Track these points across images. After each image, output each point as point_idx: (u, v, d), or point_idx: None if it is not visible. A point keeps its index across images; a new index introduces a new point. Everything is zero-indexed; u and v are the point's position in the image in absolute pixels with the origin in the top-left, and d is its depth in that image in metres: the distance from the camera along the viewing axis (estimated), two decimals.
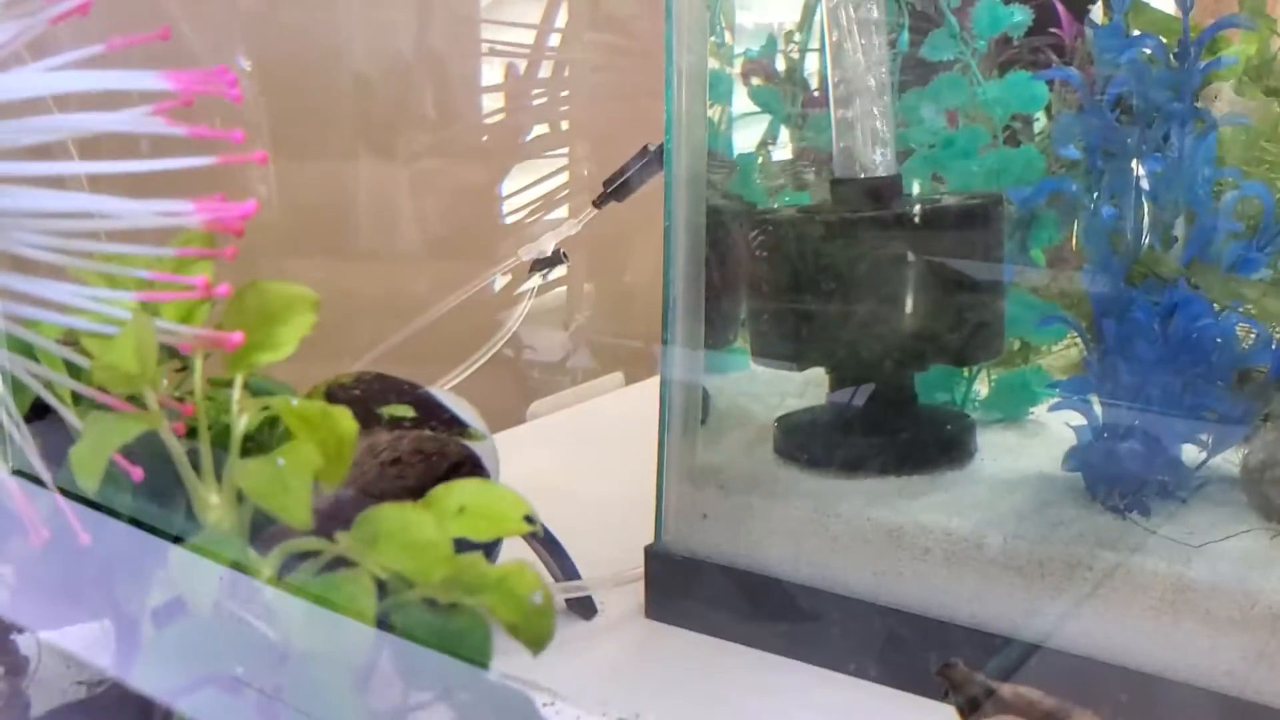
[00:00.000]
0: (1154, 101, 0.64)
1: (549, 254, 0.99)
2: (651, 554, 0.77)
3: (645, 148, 0.99)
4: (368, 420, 0.48)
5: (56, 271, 0.38)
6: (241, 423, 0.37)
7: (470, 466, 0.47)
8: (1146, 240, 0.68)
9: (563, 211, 1.13)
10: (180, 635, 0.37)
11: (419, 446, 0.47)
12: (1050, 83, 0.83)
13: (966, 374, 0.83)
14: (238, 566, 0.37)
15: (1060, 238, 0.82)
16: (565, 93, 1.08)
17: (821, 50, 0.79)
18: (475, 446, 0.47)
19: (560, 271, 1.02)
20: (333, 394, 0.44)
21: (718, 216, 0.79)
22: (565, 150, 1.07)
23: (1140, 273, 0.67)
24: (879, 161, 0.75)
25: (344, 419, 0.36)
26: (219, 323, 0.39)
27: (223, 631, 0.37)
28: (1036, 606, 0.66)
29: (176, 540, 0.45)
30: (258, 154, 0.36)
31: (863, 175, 0.75)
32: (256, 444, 0.53)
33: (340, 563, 0.36)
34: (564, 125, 1.08)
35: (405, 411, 0.44)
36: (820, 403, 0.81)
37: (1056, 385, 0.72)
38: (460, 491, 0.37)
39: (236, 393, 0.38)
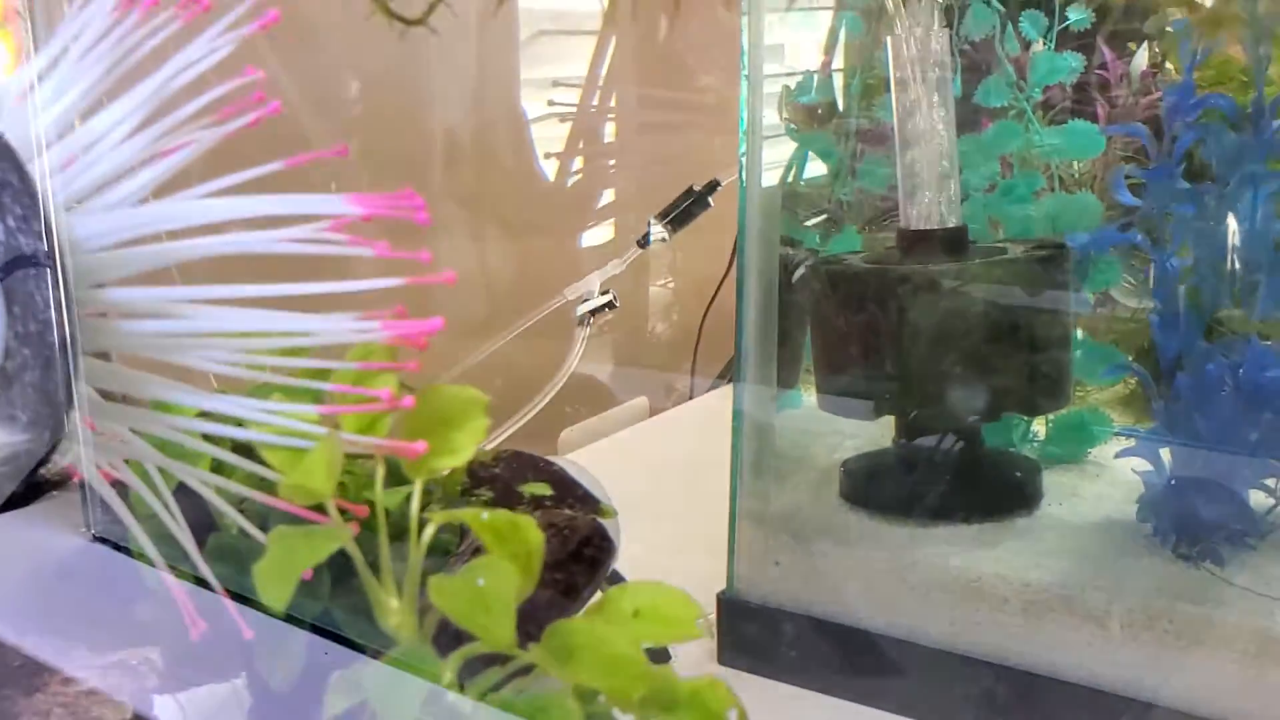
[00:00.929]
0: (1229, 163, 0.66)
1: (596, 294, 1.00)
2: (725, 601, 0.78)
3: (690, 189, 1.00)
4: (509, 499, 0.49)
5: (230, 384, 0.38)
6: (427, 532, 0.38)
7: (599, 541, 0.48)
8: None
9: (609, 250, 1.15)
10: None
11: (551, 521, 0.47)
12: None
13: (1025, 421, 0.85)
14: (424, 675, 0.37)
15: (1117, 282, 0.83)
16: (612, 135, 1.09)
17: (862, 93, 0.80)
18: (603, 522, 0.48)
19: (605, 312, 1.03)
20: (475, 472, 0.45)
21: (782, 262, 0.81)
22: (611, 191, 1.08)
23: (1214, 327, 0.68)
24: (946, 211, 0.76)
25: (531, 530, 0.37)
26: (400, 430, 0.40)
27: None
28: (1117, 658, 0.67)
29: (342, 639, 0.45)
30: (447, 274, 0.36)
31: (931, 227, 0.77)
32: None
33: (523, 671, 0.37)
34: (611, 164, 1.09)
35: (543, 489, 0.45)
36: (884, 446, 0.83)
37: (1127, 432, 0.74)
38: (633, 595, 0.38)
39: (417, 500, 0.39)
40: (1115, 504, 0.77)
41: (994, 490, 0.77)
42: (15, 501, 0.68)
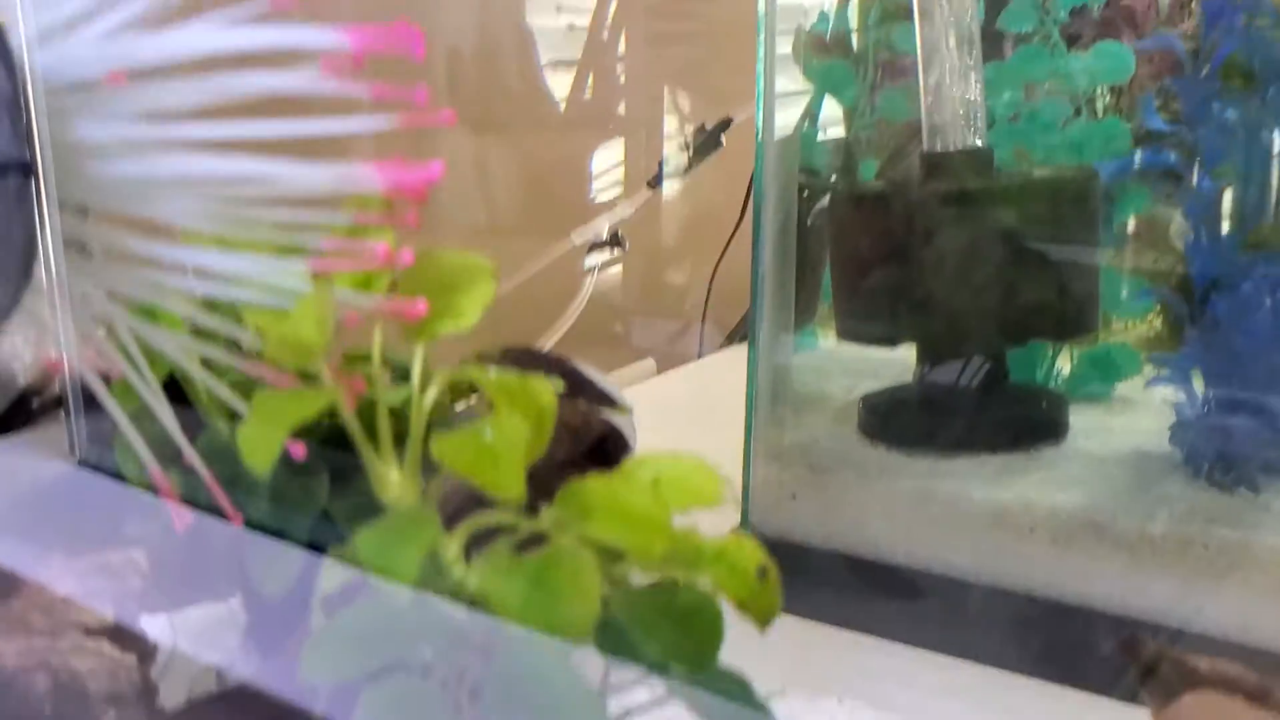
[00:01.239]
0: (1273, 68, 0.63)
1: (604, 238, 0.97)
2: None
3: (701, 126, 0.97)
4: None
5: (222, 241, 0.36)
6: (430, 395, 0.36)
7: (615, 440, 0.45)
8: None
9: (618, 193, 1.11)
10: (359, 621, 0.35)
11: (564, 420, 0.45)
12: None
13: (1051, 351, 0.82)
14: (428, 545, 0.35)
15: (1145, 210, 0.80)
16: (622, 76, 1.06)
17: (884, 21, 0.77)
18: (617, 420, 0.45)
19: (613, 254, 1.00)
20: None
21: (802, 193, 0.78)
22: (621, 134, 1.05)
23: (1253, 244, 0.66)
24: (973, 134, 0.73)
25: (545, 390, 0.34)
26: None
27: (413, 617, 0.35)
28: (1148, 585, 0.64)
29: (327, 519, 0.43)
30: (445, 113, 0.34)
31: (956, 149, 0.74)
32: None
33: (532, 542, 0.34)
34: (621, 109, 1.06)
35: (556, 386, 0.42)
36: (904, 382, 0.80)
37: (1159, 359, 0.71)
38: (654, 464, 0.35)
39: (418, 364, 0.36)
40: (1145, 436, 0.74)
41: (1019, 422, 0.75)
42: (5, 428, 0.66)
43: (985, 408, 0.75)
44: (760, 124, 0.73)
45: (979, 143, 0.73)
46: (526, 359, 0.44)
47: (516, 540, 0.34)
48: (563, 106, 1.00)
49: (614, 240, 0.96)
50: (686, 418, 1.07)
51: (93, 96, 0.35)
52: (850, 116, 0.89)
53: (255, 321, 0.36)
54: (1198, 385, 0.70)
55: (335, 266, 0.36)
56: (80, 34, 0.34)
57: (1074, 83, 0.81)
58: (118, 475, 0.58)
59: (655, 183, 0.96)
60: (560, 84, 1.01)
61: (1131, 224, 0.83)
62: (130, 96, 0.34)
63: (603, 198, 1.02)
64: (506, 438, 0.32)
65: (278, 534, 0.52)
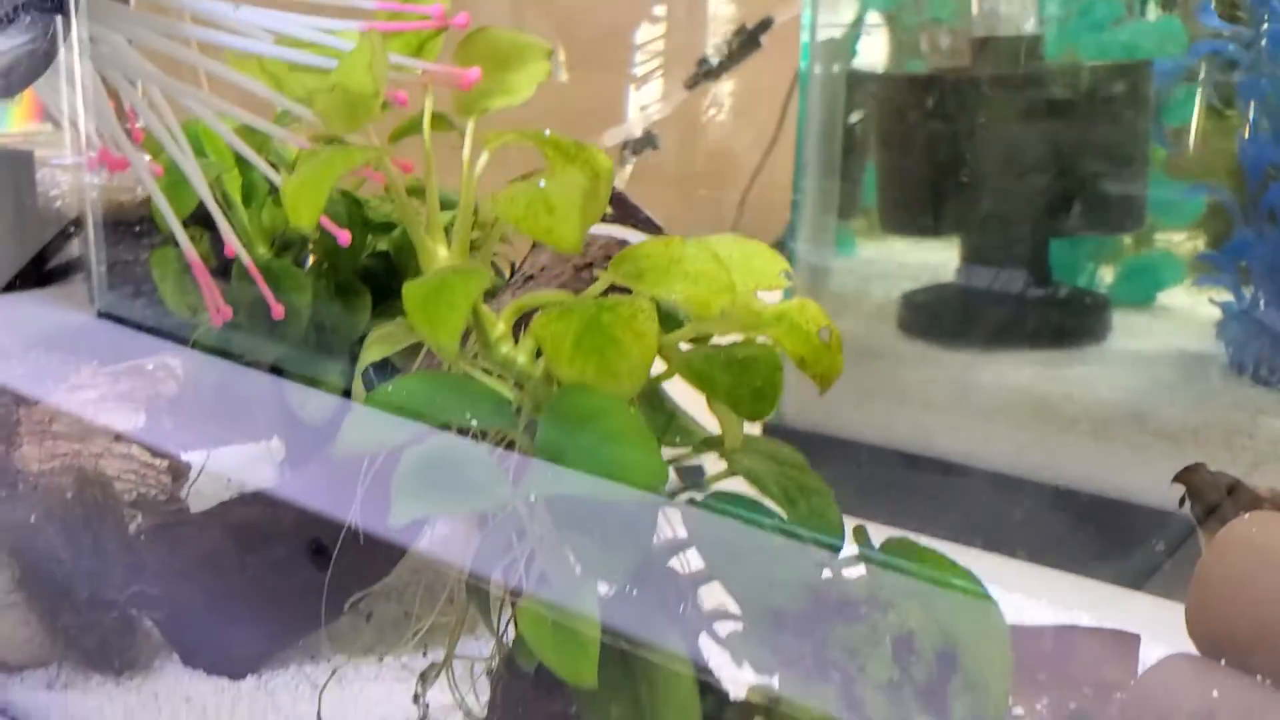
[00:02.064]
0: None
1: (639, 136, 0.95)
2: (771, 430, 0.74)
3: (741, 26, 0.95)
4: None
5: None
6: (481, 160, 0.34)
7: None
8: None
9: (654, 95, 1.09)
10: (400, 394, 0.34)
11: (608, 252, 0.44)
12: None
13: (1094, 256, 0.81)
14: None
15: (1193, 114, 0.79)
16: None
17: None
18: None
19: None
20: None
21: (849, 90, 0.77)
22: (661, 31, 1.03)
23: None
24: (1024, 19, 0.72)
25: (600, 155, 0.33)
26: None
27: (455, 389, 0.34)
28: None
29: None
30: None
31: (1005, 36, 0.72)
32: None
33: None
34: (660, 7, 1.04)
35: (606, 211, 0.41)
36: (945, 281, 0.78)
37: (1206, 258, 0.70)
38: (716, 243, 0.34)
39: (470, 134, 0.35)
40: (1189, 339, 0.73)
41: (1061, 319, 0.73)
42: (26, 286, 0.66)
43: (1027, 304, 0.74)
44: (808, 20, 0.72)
45: (1029, 29, 0.71)
46: None
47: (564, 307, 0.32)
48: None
49: (647, 141, 0.94)
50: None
51: None
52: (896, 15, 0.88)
53: (301, 84, 0.35)
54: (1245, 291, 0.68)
55: (387, 27, 0.35)
56: None
57: None
58: (136, 326, 0.57)
59: (693, 83, 0.94)
60: None
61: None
62: None
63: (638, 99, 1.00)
64: (562, 186, 0.31)
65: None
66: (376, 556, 0.43)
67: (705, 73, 0.95)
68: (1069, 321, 0.74)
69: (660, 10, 0.99)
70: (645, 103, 0.98)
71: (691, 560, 0.35)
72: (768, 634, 0.29)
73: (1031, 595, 0.57)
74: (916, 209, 0.74)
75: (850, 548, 0.34)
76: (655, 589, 0.33)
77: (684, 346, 0.33)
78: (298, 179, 0.33)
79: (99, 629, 0.42)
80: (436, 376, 0.35)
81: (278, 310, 0.42)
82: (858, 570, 0.33)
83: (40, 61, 0.33)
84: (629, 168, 0.97)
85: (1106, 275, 0.82)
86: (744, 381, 0.31)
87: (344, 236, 0.41)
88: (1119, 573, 0.63)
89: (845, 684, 0.28)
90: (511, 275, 0.49)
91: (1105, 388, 0.66)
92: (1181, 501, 0.42)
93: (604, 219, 0.44)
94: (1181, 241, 0.86)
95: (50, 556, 0.41)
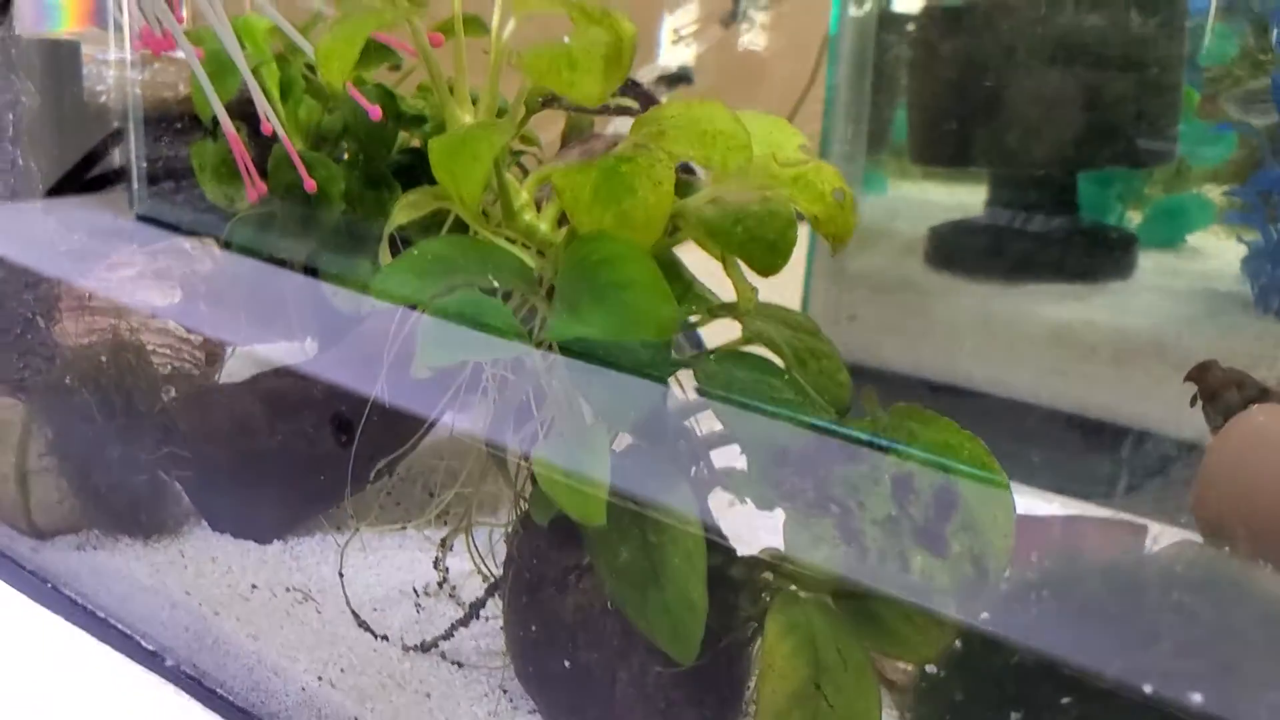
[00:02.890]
0: None
1: (673, 71, 0.95)
2: None
3: None
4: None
5: None
6: (510, 25, 0.35)
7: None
8: None
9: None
10: (427, 252, 0.35)
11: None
12: None
13: (1122, 198, 0.80)
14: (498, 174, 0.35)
15: (1231, 58, 0.78)
16: None
17: None
18: None
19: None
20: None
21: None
22: None
23: None
24: None
25: (625, 20, 0.34)
26: None
27: (479, 247, 0.35)
28: None
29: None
30: None
31: None
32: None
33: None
34: None
35: (630, 103, 0.42)
36: (971, 216, 0.79)
37: (1234, 193, 0.70)
38: (736, 112, 0.34)
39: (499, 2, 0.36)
40: (1215, 279, 0.72)
41: (1086, 253, 0.73)
42: (69, 190, 0.67)
43: (1053, 237, 0.74)
44: None
45: None
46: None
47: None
48: None
49: (680, 76, 0.94)
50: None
51: None
52: None
53: None
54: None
55: None
56: None
57: None
58: (174, 227, 0.59)
59: (729, 19, 0.94)
60: None
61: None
62: None
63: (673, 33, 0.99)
64: (586, 43, 0.32)
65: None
66: (402, 430, 0.44)
67: (741, 9, 0.95)
68: (1095, 257, 0.74)
69: None
70: (680, 37, 0.98)
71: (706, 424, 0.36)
72: (771, 470, 0.30)
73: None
74: (946, 142, 0.74)
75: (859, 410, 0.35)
76: (668, 446, 0.34)
77: None
78: (330, 38, 0.34)
79: (129, 490, 0.43)
80: (461, 240, 0.36)
81: (310, 184, 0.43)
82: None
83: None
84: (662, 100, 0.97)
85: (1135, 217, 0.82)
86: (758, 235, 0.32)
87: (375, 111, 0.42)
88: (1131, 501, 0.63)
89: (844, 518, 0.29)
90: None
91: (1128, 320, 0.67)
92: (1193, 401, 0.43)
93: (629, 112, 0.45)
94: (1211, 189, 0.86)
95: (84, 418, 0.42)
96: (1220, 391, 0.41)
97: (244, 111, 0.49)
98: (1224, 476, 0.38)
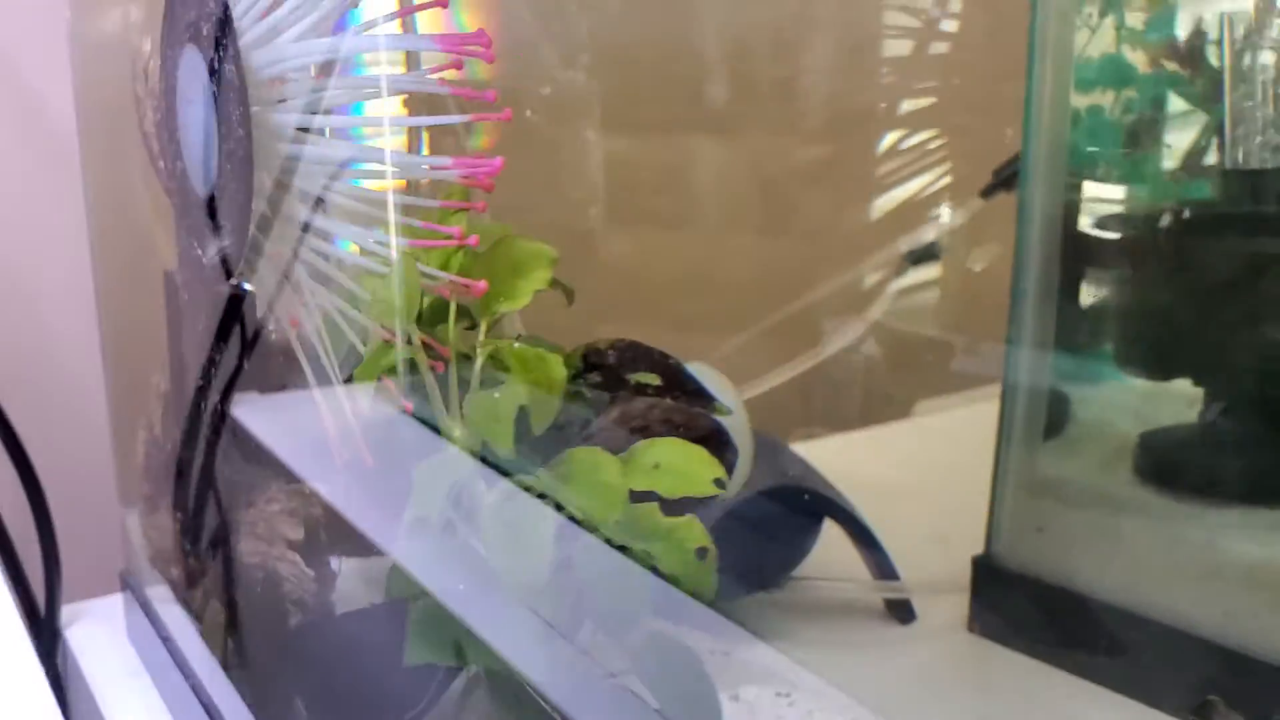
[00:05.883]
0: None
1: (926, 244, 0.95)
2: (980, 565, 0.73)
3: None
4: (619, 385, 0.49)
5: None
6: (478, 363, 0.40)
7: (718, 440, 0.46)
8: None
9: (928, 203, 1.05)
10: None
11: (668, 417, 0.47)
12: None
13: None
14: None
15: None
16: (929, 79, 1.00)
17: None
18: (725, 421, 0.46)
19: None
20: (589, 357, 0.46)
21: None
22: (933, 135, 1.00)
23: None
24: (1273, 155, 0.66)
25: (555, 365, 0.38)
26: (474, 272, 0.42)
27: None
28: None
29: None
30: (505, 113, 0.38)
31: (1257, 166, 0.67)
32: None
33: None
34: (925, 103, 1.01)
35: (651, 379, 0.45)
36: (1185, 421, 0.73)
37: None
38: (658, 449, 0.37)
39: (481, 335, 0.41)
40: None
41: None
42: None
43: (1270, 456, 0.67)
44: (1028, 127, 0.70)
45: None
46: (632, 352, 0.46)
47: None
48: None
49: (928, 252, 0.93)
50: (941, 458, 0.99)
51: (275, 89, 0.43)
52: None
53: (369, 286, 0.42)
54: None
55: (421, 244, 0.42)
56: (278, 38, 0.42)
57: None
58: None
59: (988, 192, 0.92)
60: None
61: None
62: (297, 89, 0.42)
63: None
64: (507, 399, 0.36)
65: None
66: None
67: (1003, 180, 0.92)
68: None
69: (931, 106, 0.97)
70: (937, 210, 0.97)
71: None
72: None
73: None
74: (1150, 350, 0.70)
75: None
76: None
77: None
78: (363, 367, 0.41)
79: None
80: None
81: (368, 460, 0.50)
82: None
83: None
84: (906, 278, 0.96)
85: None
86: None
87: (407, 406, 0.48)
88: None
89: None
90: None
91: None
92: None
93: (648, 390, 0.47)
94: None
95: None
96: None
97: None
98: None
